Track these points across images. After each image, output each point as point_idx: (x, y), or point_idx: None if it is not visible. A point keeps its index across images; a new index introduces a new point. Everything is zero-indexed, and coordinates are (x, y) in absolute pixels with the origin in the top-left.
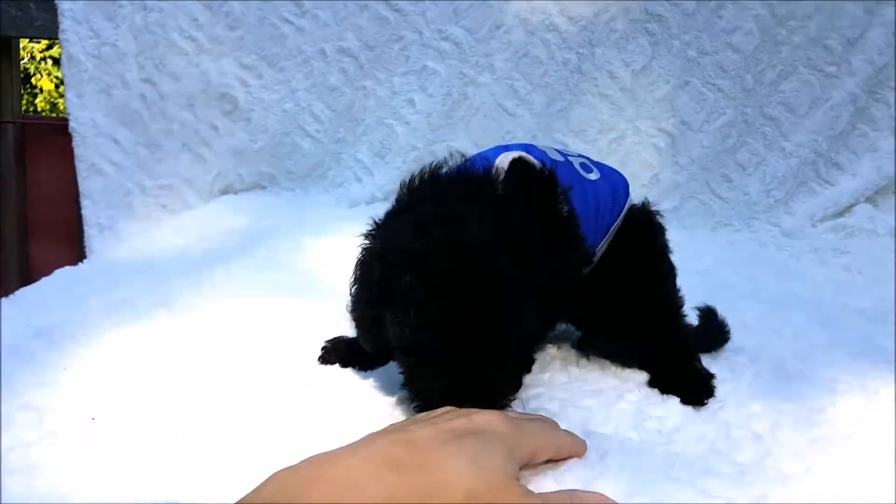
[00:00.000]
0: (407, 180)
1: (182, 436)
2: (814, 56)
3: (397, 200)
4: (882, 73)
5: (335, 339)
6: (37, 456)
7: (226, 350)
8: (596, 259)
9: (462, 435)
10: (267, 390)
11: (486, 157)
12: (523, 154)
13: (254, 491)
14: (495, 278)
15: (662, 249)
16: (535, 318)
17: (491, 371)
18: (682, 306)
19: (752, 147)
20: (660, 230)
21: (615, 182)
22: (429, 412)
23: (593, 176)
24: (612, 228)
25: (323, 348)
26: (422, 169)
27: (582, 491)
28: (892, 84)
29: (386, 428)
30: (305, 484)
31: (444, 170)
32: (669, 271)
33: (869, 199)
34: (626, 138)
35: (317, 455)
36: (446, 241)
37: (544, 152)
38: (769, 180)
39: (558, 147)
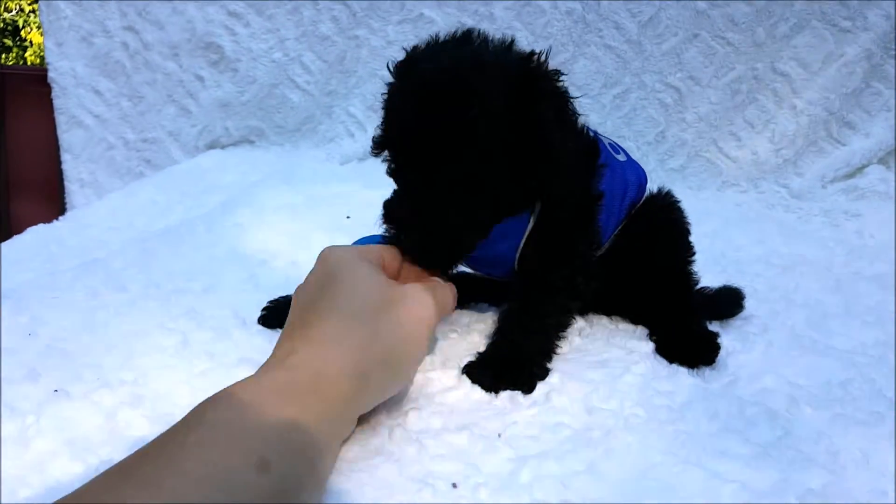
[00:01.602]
0: None
1: (152, 409)
2: (828, 9)
3: None
4: None
5: (277, 299)
6: None
7: (205, 313)
8: (605, 246)
9: None
10: (250, 355)
11: None
12: None
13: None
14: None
15: (683, 227)
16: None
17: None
18: (695, 284)
19: (761, 104)
20: (681, 212)
21: (638, 170)
22: None
23: (621, 157)
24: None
25: (264, 309)
26: None
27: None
28: None
29: None
30: None
31: None
32: (686, 249)
33: (881, 160)
34: (632, 93)
35: None
36: None
37: None
38: (778, 139)
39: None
